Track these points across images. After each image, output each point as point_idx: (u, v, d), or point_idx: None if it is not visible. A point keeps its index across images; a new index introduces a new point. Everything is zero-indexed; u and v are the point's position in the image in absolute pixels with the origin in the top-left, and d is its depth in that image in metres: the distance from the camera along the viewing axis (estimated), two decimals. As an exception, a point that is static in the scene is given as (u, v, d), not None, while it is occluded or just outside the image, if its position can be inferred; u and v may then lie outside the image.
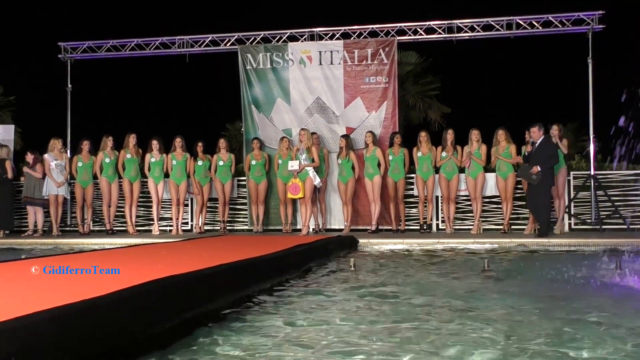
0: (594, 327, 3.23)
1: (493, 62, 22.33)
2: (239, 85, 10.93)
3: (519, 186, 9.62)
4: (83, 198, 10.29)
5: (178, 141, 10.23)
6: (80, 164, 10.23)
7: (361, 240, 8.20)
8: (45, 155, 10.24)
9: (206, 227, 10.65)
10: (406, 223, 10.09)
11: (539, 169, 8.32)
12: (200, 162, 10.20)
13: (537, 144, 8.56)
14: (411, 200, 10.28)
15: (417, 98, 20.34)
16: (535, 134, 8.59)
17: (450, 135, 9.63)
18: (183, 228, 10.53)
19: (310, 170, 9.46)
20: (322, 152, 10.05)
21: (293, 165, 9.52)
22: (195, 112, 26.13)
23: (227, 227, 10.51)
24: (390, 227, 9.96)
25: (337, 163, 10.04)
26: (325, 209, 10.29)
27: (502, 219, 9.55)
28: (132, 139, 10.22)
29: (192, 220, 10.94)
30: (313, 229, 10.07)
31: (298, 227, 10.13)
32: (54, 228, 10.21)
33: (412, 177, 10.05)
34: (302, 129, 9.73)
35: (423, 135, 9.77)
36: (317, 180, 9.52)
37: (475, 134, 9.47)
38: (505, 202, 9.41)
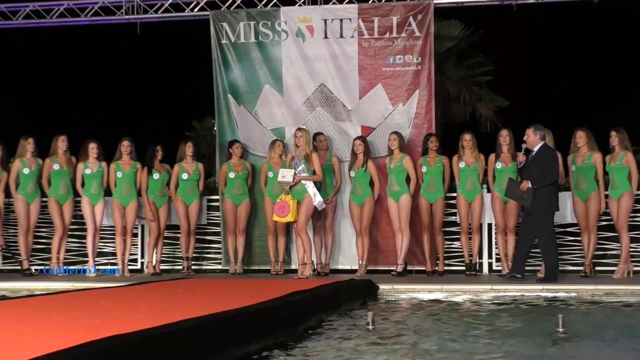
0: None
1: (568, 35, 22.34)
2: (211, 67, 10.97)
3: (606, 211, 9.58)
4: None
5: (125, 145, 10.23)
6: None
7: (382, 287, 8.19)
8: None
9: (163, 267, 10.63)
10: (447, 262, 10.06)
11: (530, 185, 8.53)
12: (155, 175, 10.20)
13: (532, 153, 8.77)
14: (453, 229, 10.25)
15: (461, 86, 20.34)
16: (530, 139, 8.82)
17: (507, 137, 9.62)
18: (130, 267, 10.51)
19: (309, 186, 9.42)
20: (329, 161, 10.04)
21: (285, 175, 9.42)
22: (149, 104, 26.19)
23: (193, 267, 10.49)
24: (424, 268, 9.94)
25: (349, 176, 10.02)
26: (332, 242, 10.24)
27: (583, 257, 9.52)
28: (61, 143, 10.23)
29: (142, 257, 10.92)
30: (314, 270, 10.04)
31: (293, 267, 10.09)
32: None
33: (454, 198, 10.02)
34: (299, 129, 9.73)
35: (467, 139, 9.76)
36: (317, 200, 9.48)
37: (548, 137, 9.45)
38: (586, 234, 9.39)
